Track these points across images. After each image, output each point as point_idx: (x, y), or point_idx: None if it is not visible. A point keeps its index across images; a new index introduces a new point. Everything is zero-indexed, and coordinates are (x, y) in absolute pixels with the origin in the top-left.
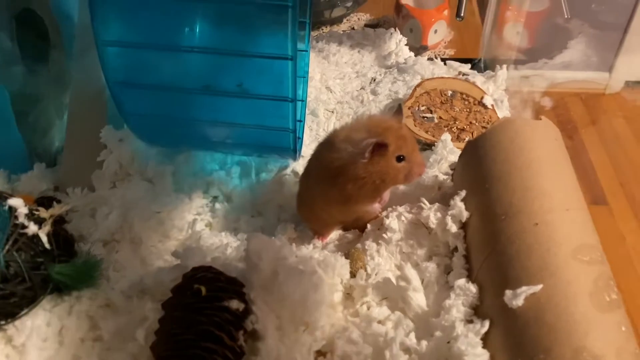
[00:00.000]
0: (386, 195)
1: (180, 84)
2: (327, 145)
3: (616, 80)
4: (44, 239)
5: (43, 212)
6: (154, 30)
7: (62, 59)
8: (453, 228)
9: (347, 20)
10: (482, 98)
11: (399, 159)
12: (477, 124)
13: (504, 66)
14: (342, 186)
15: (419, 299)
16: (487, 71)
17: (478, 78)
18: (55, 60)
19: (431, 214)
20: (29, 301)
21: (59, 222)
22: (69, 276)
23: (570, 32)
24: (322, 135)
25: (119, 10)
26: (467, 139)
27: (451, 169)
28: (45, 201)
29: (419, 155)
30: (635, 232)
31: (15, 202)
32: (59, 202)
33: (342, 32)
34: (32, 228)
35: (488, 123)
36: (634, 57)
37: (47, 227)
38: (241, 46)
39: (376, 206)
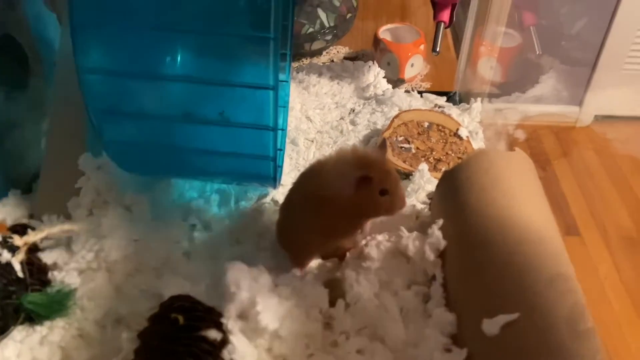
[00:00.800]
0: (367, 226)
1: (162, 112)
2: (311, 176)
3: (586, 114)
4: (17, 267)
5: (17, 240)
6: (135, 59)
7: (41, 85)
8: (431, 256)
9: (326, 53)
10: (457, 130)
11: (382, 192)
12: (453, 154)
13: (479, 99)
14: (325, 217)
15: (397, 328)
16: (462, 104)
17: (453, 110)
18: (34, 87)
19: (410, 243)
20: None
21: (32, 250)
22: (42, 305)
23: (541, 67)
24: (302, 164)
25: (100, 38)
26: (443, 169)
27: (429, 198)
28: (19, 229)
29: (402, 189)
30: (607, 262)
31: None
32: (33, 229)
33: (321, 64)
34: (5, 256)
35: (464, 154)
36: (602, 92)
37: (20, 255)
38: (223, 75)
39: (357, 237)
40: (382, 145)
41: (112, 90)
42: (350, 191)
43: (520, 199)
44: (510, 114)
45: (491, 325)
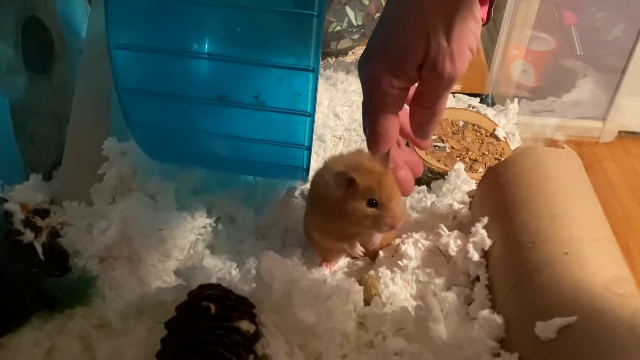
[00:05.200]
0: (376, 238)
1: (193, 93)
2: (318, 172)
3: (610, 129)
4: (39, 249)
5: (39, 221)
6: (169, 35)
7: (66, 71)
8: (475, 256)
9: (352, 52)
10: (494, 130)
11: (371, 203)
12: (489, 155)
13: (515, 100)
14: (316, 216)
15: (439, 330)
16: (497, 105)
17: (489, 111)
18: (59, 72)
19: (451, 241)
20: (18, 316)
21: (53, 235)
22: (63, 291)
23: (575, 73)
24: None
25: (134, 13)
26: (480, 169)
27: (469, 196)
28: (41, 212)
29: (398, 206)
30: None
31: (12, 206)
32: (55, 214)
33: (349, 62)
34: (28, 236)
35: (501, 155)
36: (628, 104)
37: (42, 237)
38: (260, 55)
39: (356, 250)
40: (385, 157)
41: (143, 68)
42: (335, 191)
43: (572, 197)
44: (534, 125)
45: (546, 329)
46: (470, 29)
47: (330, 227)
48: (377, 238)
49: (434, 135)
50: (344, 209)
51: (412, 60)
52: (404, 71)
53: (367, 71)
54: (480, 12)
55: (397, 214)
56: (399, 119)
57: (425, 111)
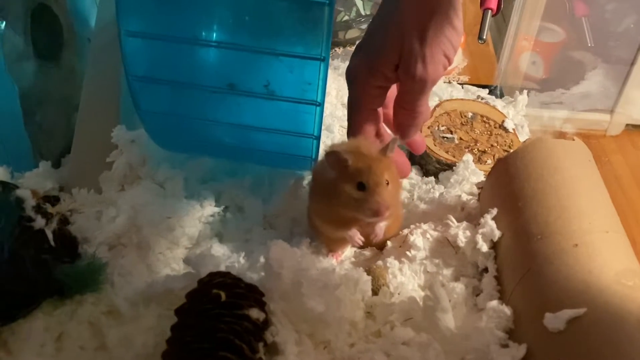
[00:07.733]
0: (379, 230)
1: (203, 81)
2: (321, 160)
3: (617, 122)
4: (50, 235)
5: (50, 208)
6: (179, 23)
7: (74, 59)
8: (484, 247)
9: None
10: (503, 122)
11: (360, 186)
12: (498, 147)
13: (525, 91)
14: (315, 200)
15: (447, 321)
16: (506, 97)
17: (498, 102)
18: (67, 60)
19: (460, 232)
20: (29, 302)
21: (63, 222)
22: (73, 278)
23: (584, 66)
24: None
25: (144, 0)
26: (488, 161)
27: (478, 188)
28: (51, 199)
29: (386, 194)
30: None
31: (23, 193)
32: (65, 201)
33: None
34: (39, 222)
35: (510, 147)
36: (636, 96)
37: (53, 224)
38: (270, 44)
39: (355, 239)
40: (386, 145)
41: (154, 56)
42: (329, 172)
43: (582, 189)
44: (542, 118)
45: (555, 320)
46: (446, 36)
47: (326, 211)
48: (380, 229)
49: (442, 126)
50: (336, 191)
51: (387, 60)
52: (380, 70)
53: (350, 66)
54: (492, 2)
55: (382, 200)
56: (384, 110)
57: (405, 112)
